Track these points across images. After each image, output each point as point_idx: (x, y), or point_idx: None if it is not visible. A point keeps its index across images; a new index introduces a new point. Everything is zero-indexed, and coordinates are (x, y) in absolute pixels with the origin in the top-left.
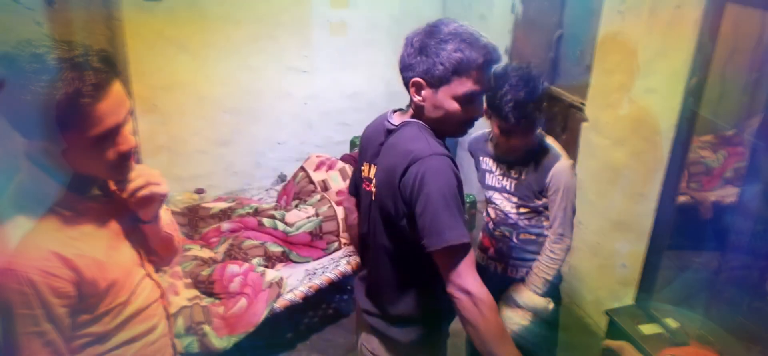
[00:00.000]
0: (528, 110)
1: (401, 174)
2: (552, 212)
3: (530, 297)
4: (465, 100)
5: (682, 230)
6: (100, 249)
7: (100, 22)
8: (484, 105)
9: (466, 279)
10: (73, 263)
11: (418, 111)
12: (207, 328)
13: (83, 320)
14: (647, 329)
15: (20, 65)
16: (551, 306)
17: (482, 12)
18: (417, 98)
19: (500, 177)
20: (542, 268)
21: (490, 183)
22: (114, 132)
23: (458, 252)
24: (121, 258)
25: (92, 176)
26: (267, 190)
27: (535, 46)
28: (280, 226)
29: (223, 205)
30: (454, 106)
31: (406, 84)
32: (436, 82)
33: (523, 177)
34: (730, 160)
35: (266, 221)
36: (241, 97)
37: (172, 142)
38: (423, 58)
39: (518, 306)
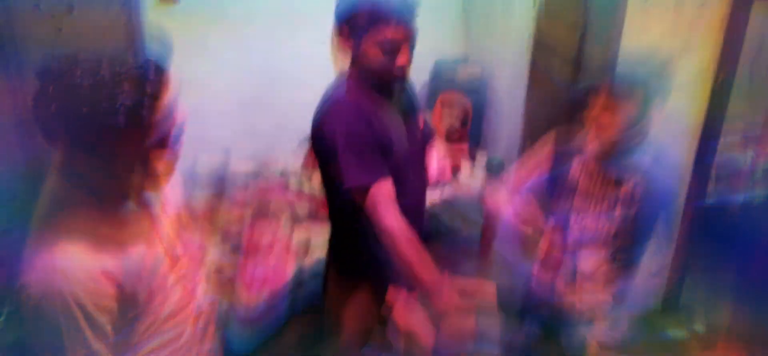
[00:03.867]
0: None
1: (320, 118)
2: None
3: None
4: (387, 48)
5: (709, 231)
6: (138, 260)
7: (119, 27)
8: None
9: (380, 216)
10: (116, 279)
11: (353, 64)
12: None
13: (118, 330)
14: (675, 333)
15: (73, 82)
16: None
17: (504, 5)
18: (346, 49)
19: (596, 195)
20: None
21: (577, 204)
22: (166, 138)
23: (365, 192)
24: (157, 267)
25: (129, 186)
26: (293, 153)
27: (557, 41)
28: (307, 187)
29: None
30: (378, 54)
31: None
32: (360, 33)
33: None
34: (759, 159)
35: (293, 182)
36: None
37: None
38: (348, 11)
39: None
